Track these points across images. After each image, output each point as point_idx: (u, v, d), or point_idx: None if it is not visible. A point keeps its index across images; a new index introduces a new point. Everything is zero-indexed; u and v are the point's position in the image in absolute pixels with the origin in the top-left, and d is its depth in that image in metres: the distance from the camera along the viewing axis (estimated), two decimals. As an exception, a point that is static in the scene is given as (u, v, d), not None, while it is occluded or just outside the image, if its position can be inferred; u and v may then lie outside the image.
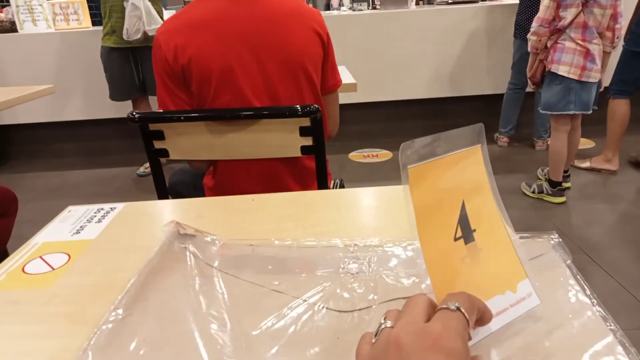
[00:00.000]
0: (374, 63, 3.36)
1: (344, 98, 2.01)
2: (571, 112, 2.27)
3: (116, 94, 2.94)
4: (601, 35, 2.19)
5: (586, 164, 2.82)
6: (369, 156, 3.34)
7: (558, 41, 2.22)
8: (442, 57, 3.36)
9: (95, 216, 0.70)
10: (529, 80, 2.43)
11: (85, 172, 3.34)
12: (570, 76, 2.20)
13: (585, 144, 3.22)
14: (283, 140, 1.11)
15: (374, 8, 3.59)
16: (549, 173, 2.49)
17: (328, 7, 5.09)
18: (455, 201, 0.44)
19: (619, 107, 2.62)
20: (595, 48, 2.17)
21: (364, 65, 3.33)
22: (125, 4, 2.68)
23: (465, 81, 3.42)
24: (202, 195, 1.29)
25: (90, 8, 3.37)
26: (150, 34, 2.71)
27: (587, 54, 2.17)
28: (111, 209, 0.72)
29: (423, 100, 3.52)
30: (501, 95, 3.27)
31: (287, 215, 0.71)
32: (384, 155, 3.34)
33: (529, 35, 2.31)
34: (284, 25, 1.09)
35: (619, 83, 2.64)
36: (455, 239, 0.43)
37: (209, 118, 1.07)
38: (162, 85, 1.10)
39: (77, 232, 0.67)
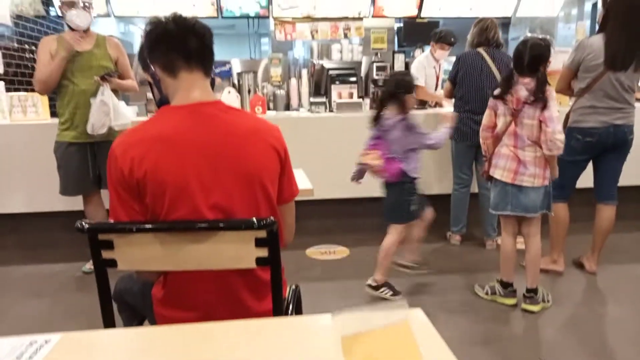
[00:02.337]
0: (330, 162, 3.48)
1: (302, 194, 2.04)
2: (506, 213, 2.40)
3: (70, 190, 2.86)
4: (537, 143, 2.34)
5: None
6: (326, 253, 3.33)
7: (498, 147, 2.42)
8: (395, 158, 3.53)
9: (25, 352, 0.63)
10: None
11: (25, 267, 3.12)
12: (504, 179, 2.38)
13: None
14: (238, 251, 1.10)
15: (331, 111, 3.80)
16: (500, 273, 2.55)
17: (288, 107, 5.37)
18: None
19: (558, 211, 2.79)
20: (528, 155, 2.32)
21: (321, 163, 3.44)
22: (92, 100, 2.72)
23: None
24: (150, 306, 1.23)
25: (50, 99, 3.38)
26: (116, 129, 2.75)
27: (519, 161, 2.34)
28: (45, 341, 0.66)
29: (378, 198, 3.62)
30: (450, 194, 3.43)
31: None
32: (341, 252, 3.34)
33: (480, 138, 2.54)
34: (242, 141, 1.13)
35: (556, 188, 2.84)
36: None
37: (162, 230, 1.05)
38: (115, 197, 1.08)
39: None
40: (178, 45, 1.14)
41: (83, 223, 1.03)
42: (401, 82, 2.55)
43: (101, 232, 1.04)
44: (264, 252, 1.10)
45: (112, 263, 1.09)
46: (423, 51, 5.91)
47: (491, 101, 2.44)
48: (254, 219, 1.04)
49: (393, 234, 2.66)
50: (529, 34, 2.44)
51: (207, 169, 1.08)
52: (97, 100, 2.70)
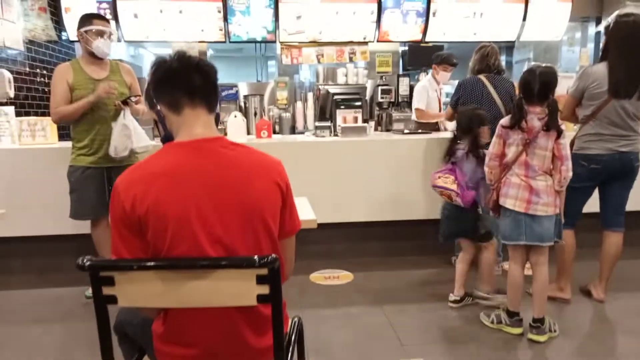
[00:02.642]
0: (335, 186, 3.49)
1: (305, 225, 2.04)
2: (522, 243, 2.37)
3: (82, 213, 2.86)
4: (548, 172, 2.34)
5: None
6: (329, 278, 3.31)
7: (507, 175, 2.40)
8: (399, 182, 3.54)
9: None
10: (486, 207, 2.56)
11: (31, 292, 3.12)
12: (517, 209, 2.34)
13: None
14: (238, 289, 1.10)
15: (336, 135, 3.83)
16: (507, 302, 2.52)
17: (293, 129, 5.42)
18: None
19: (565, 238, 2.76)
20: (540, 184, 2.31)
21: (326, 187, 3.46)
22: (113, 124, 2.77)
23: (421, 205, 3.58)
24: (150, 340, 1.22)
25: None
26: (138, 151, 2.81)
27: (531, 189, 2.32)
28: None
29: (383, 222, 3.62)
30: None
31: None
32: (345, 277, 3.31)
33: (484, 167, 2.50)
34: (244, 176, 1.14)
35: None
36: None
37: (163, 267, 1.06)
38: (117, 233, 1.09)
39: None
40: (182, 82, 1.17)
41: (85, 260, 1.04)
42: (474, 117, 2.72)
43: (102, 269, 1.05)
44: (265, 290, 1.09)
45: (113, 299, 1.09)
46: (427, 74, 5.97)
47: (500, 130, 2.41)
48: (256, 257, 1.04)
49: (490, 248, 2.79)
50: (532, 63, 2.44)
51: (209, 204, 1.09)
52: (119, 124, 2.74)
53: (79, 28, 2.77)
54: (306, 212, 1.83)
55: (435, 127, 4.31)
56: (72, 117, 2.76)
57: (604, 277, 2.82)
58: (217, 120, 1.27)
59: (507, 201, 2.37)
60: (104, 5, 5.17)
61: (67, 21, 5.08)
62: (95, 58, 2.80)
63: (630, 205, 2.81)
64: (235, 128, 3.95)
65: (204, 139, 1.16)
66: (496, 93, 3.13)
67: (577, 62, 6.31)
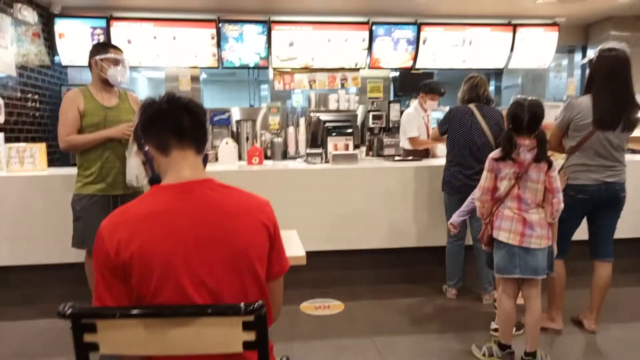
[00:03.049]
0: (326, 213, 3.48)
1: (294, 262, 2.02)
2: (517, 276, 2.35)
3: (86, 242, 2.75)
4: (540, 205, 2.34)
5: None
6: (320, 307, 3.27)
7: (499, 209, 2.38)
8: (390, 209, 3.54)
9: None
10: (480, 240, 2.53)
11: (14, 324, 3.04)
12: (511, 242, 2.32)
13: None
14: (224, 336, 1.07)
15: (327, 162, 3.84)
16: (499, 335, 2.50)
17: (285, 154, 5.43)
18: None
19: (556, 269, 2.76)
20: (533, 217, 2.30)
21: (317, 215, 3.45)
22: (126, 153, 2.74)
23: (412, 233, 3.57)
24: (133, 387, 1.19)
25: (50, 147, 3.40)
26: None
27: (525, 222, 2.31)
28: None
29: (374, 250, 3.61)
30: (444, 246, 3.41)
31: None
32: (335, 306, 3.28)
33: (475, 201, 2.49)
34: (231, 220, 1.13)
35: None
36: None
37: (147, 315, 1.04)
38: (101, 279, 1.07)
39: None
40: (171, 124, 1.17)
41: (65, 308, 1.01)
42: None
43: (85, 317, 1.03)
44: (251, 336, 1.07)
45: (94, 346, 1.07)
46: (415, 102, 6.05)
47: (492, 163, 2.38)
48: (242, 305, 1.03)
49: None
50: (519, 95, 2.46)
51: (195, 249, 1.08)
52: (134, 153, 2.68)
53: (93, 56, 2.78)
54: (295, 247, 1.82)
55: (424, 154, 4.33)
56: (84, 147, 2.73)
57: (595, 307, 2.81)
58: (206, 161, 1.26)
59: (500, 234, 2.35)
60: (98, 31, 5.22)
61: (60, 46, 5.11)
62: (107, 85, 2.80)
63: (620, 233, 2.83)
64: (227, 154, 3.96)
65: (192, 181, 1.16)
66: (485, 123, 3.17)
67: (565, 89, 6.43)
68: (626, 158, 2.73)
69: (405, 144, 4.37)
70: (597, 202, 2.68)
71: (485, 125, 3.17)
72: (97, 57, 2.76)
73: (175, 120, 1.17)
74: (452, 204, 3.27)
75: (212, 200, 1.14)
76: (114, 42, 5.24)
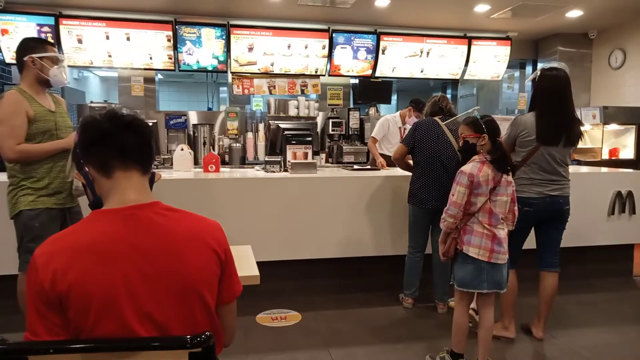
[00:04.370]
0: (284, 222, 3.44)
1: (259, 256, 1.98)
2: (484, 291, 2.36)
3: None
4: (505, 219, 2.40)
5: None
6: (277, 319, 3.22)
7: (467, 223, 2.38)
8: (348, 219, 3.55)
9: None
10: (441, 255, 2.50)
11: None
12: (480, 258, 2.33)
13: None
14: (169, 368, 1.02)
15: (286, 170, 3.80)
16: (452, 344, 2.54)
17: (244, 160, 5.35)
18: None
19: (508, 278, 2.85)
20: (502, 233, 2.35)
21: (275, 223, 3.40)
22: (66, 173, 2.50)
23: (370, 242, 3.59)
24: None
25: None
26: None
27: (494, 238, 2.34)
28: None
29: (332, 260, 3.60)
30: (404, 256, 3.44)
31: None
32: (292, 317, 3.24)
33: (445, 217, 2.38)
34: (179, 248, 1.07)
35: None
36: None
37: (85, 350, 0.97)
38: (33, 310, 0.99)
39: None
40: (113, 143, 1.09)
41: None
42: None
43: (14, 353, 0.94)
44: (198, 367, 1.02)
45: (26, 384, 0.99)
46: (377, 109, 6.13)
47: (470, 179, 2.32)
48: (187, 337, 0.98)
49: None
50: (476, 113, 2.52)
51: (139, 280, 1.02)
52: (74, 175, 2.52)
53: (28, 53, 2.46)
54: (248, 266, 1.77)
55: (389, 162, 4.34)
56: (38, 158, 2.45)
57: (543, 316, 2.91)
58: (152, 182, 1.20)
59: (470, 249, 2.35)
60: (46, 29, 4.97)
61: (3, 43, 4.82)
62: (44, 87, 2.54)
63: (566, 242, 2.96)
64: (181, 161, 3.84)
65: (137, 205, 1.09)
66: (451, 134, 3.23)
67: (517, 98, 6.70)
68: (571, 170, 2.85)
69: (385, 150, 4.47)
70: (542, 215, 2.79)
71: (451, 137, 3.22)
72: (35, 56, 2.45)
73: (118, 140, 1.09)
74: (417, 217, 3.30)
75: (158, 227, 1.08)
76: (63, 40, 5.02)
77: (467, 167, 2.37)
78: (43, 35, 4.92)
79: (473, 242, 2.36)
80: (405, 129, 4.46)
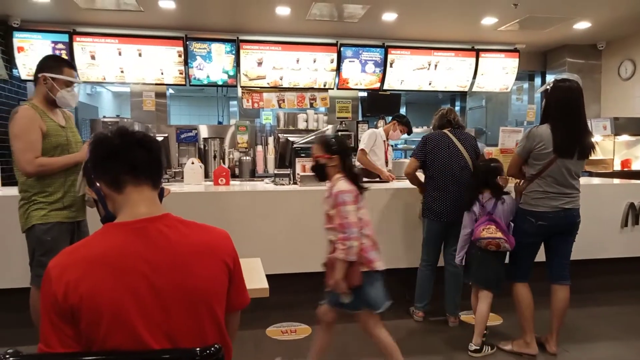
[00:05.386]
0: (293, 235, 3.45)
1: (268, 269, 1.98)
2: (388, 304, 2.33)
3: None
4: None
5: (509, 347, 2.89)
6: (287, 332, 3.21)
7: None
8: (358, 232, 3.53)
9: None
10: (344, 291, 2.28)
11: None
12: (381, 269, 2.32)
13: (494, 319, 3.35)
14: (179, 381, 1.03)
15: (295, 183, 3.82)
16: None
17: (253, 173, 5.38)
18: None
19: (522, 292, 2.81)
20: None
21: (285, 236, 3.41)
22: (76, 190, 2.52)
23: (381, 254, 3.57)
24: None
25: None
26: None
27: (375, 245, 2.35)
28: None
29: (342, 272, 3.58)
30: (416, 268, 3.42)
31: None
32: (302, 330, 3.23)
33: (348, 244, 2.21)
34: (189, 261, 1.09)
35: (517, 270, 2.87)
36: None
37: (97, 362, 0.98)
38: (47, 322, 1.01)
39: None
40: (124, 160, 1.12)
41: (7, 355, 0.95)
42: (491, 170, 2.93)
43: (29, 365, 0.96)
44: (208, 380, 1.03)
45: (39, 395, 1.00)
46: (385, 122, 6.15)
47: (350, 196, 2.25)
48: (197, 350, 0.99)
49: (488, 297, 2.88)
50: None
51: (150, 293, 1.03)
52: (86, 190, 2.55)
53: (43, 70, 2.50)
54: (258, 279, 1.78)
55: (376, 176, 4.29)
56: (55, 172, 2.49)
57: (555, 330, 2.87)
58: (162, 195, 1.22)
59: (378, 264, 2.30)
60: (60, 45, 5.08)
61: (19, 60, 4.94)
62: (52, 105, 2.57)
63: (576, 255, 2.92)
64: (192, 175, 3.88)
65: (148, 218, 1.11)
66: (462, 146, 3.23)
67: (525, 110, 6.68)
68: (583, 181, 2.83)
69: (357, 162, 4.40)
70: (556, 228, 2.76)
71: (462, 149, 3.22)
72: (48, 75, 2.48)
73: (129, 156, 1.12)
74: (432, 230, 3.29)
75: (168, 240, 1.10)
76: (76, 57, 5.13)
77: (342, 186, 2.26)
78: (57, 52, 5.04)
79: (375, 256, 2.31)
80: (389, 143, 4.44)
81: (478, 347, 2.81)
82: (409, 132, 4.35)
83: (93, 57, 5.18)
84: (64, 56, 5.00)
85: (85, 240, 1.09)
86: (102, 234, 1.09)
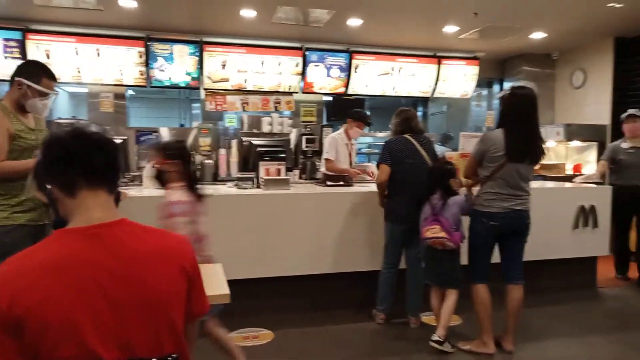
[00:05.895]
0: (256, 239, 3.42)
1: (230, 274, 1.95)
2: None
3: None
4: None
5: (467, 347, 2.96)
6: (248, 338, 3.18)
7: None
8: (321, 235, 3.55)
9: None
10: None
11: None
12: None
13: (454, 320, 3.42)
14: (133, 392, 0.99)
15: (258, 187, 3.79)
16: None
17: (216, 177, 5.30)
18: None
19: (480, 293, 2.89)
20: None
21: (248, 240, 3.38)
22: (25, 192, 2.39)
23: (343, 259, 3.60)
24: None
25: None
26: None
27: None
28: None
29: (305, 276, 3.58)
30: (378, 271, 3.45)
31: None
32: (264, 336, 3.20)
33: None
34: (146, 268, 1.05)
35: (474, 271, 2.95)
36: None
37: (43, 376, 0.93)
38: (-13, 335, 0.95)
39: None
40: (80, 163, 1.07)
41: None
42: (446, 171, 3.03)
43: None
44: (163, 389, 1.00)
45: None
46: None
47: (184, 206, 2.27)
48: (154, 359, 0.96)
49: (453, 294, 2.98)
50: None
51: (104, 301, 0.99)
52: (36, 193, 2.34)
53: (21, 74, 2.41)
54: (219, 284, 1.74)
55: (342, 179, 4.32)
56: (18, 176, 2.35)
57: (511, 328, 2.96)
58: (118, 200, 1.18)
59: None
60: (12, 43, 4.85)
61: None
62: (22, 110, 2.47)
63: (530, 256, 3.04)
64: (151, 179, 3.78)
65: (103, 223, 1.06)
66: (424, 150, 3.29)
67: (485, 115, 6.90)
68: (538, 184, 2.95)
69: (323, 167, 4.42)
70: (507, 229, 2.87)
71: (424, 152, 3.28)
72: (25, 81, 2.39)
73: (85, 159, 1.07)
74: (395, 234, 3.33)
75: (123, 246, 1.06)
76: (30, 55, 4.92)
77: (176, 196, 2.27)
78: (9, 50, 4.81)
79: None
80: (352, 144, 4.47)
81: (441, 339, 2.87)
82: (367, 124, 4.36)
83: (48, 56, 4.97)
84: (16, 55, 4.78)
85: (36, 246, 1.03)
86: (53, 240, 1.04)
